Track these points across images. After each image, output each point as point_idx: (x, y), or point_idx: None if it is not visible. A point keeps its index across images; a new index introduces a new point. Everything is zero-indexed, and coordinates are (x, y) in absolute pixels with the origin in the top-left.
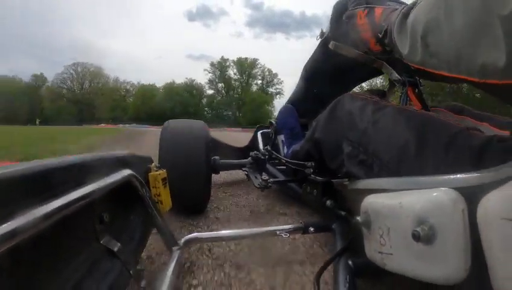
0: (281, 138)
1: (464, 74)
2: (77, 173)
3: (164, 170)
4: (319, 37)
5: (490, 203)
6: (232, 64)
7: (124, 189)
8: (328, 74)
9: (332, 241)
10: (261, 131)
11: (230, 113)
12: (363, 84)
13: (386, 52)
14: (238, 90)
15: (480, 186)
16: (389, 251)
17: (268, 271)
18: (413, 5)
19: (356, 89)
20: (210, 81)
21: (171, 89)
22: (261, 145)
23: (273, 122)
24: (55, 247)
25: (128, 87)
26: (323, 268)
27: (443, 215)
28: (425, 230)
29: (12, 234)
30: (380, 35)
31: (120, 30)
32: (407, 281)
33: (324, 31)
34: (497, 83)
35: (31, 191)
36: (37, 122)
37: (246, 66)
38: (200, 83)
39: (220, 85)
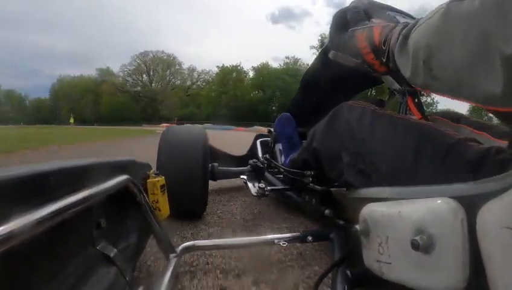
0: (279, 146)
1: (467, 98)
2: (75, 178)
3: (163, 177)
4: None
5: (490, 212)
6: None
7: (121, 195)
8: (327, 83)
9: (331, 251)
10: (260, 139)
11: None
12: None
13: (393, 71)
14: None
15: (479, 196)
16: (388, 259)
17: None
18: (413, 26)
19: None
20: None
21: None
22: (260, 154)
23: (272, 130)
24: (51, 251)
25: (207, 78)
26: (322, 278)
27: (442, 225)
28: (424, 239)
29: (8, 237)
30: (384, 59)
31: (205, 36)
32: None
33: (324, 41)
34: (499, 110)
35: (28, 195)
36: (71, 121)
37: None
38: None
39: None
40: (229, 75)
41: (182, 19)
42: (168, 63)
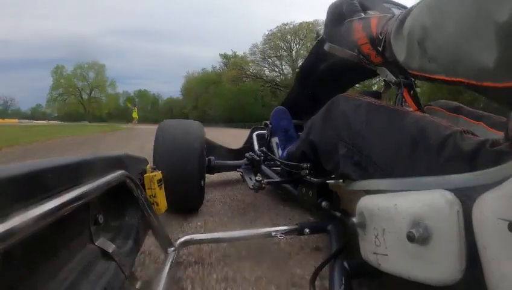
0: (275, 140)
1: (462, 77)
2: (71, 174)
3: (160, 172)
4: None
5: (486, 204)
6: None
7: (119, 190)
8: (323, 75)
9: (328, 242)
10: (256, 132)
11: None
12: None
13: (388, 62)
14: None
15: (475, 188)
16: (384, 251)
17: None
18: (409, 11)
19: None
20: None
21: None
22: (256, 147)
23: (268, 123)
24: (49, 248)
25: None
26: (319, 270)
27: (438, 217)
28: (420, 231)
29: (5, 235)
30: (380, 49)
31: None
32: (402, 283)
33: (320, 33)
34: (494, 85)
35: (23, 192)
36: (134, 116)
37: None
38: None
39: None
40: None
41: None
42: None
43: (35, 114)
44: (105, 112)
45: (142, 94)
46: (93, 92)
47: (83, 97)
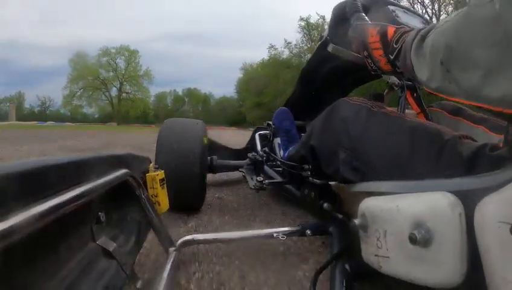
0: (278, 140)
1: (483, 102)
2: (73, 172)
3: (162, 171)
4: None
5: (488, 207)
6: None
7: (121, 189)
8: (326, 76)
9: (330, 244)
10: (259, 132)
11: None
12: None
13: (396, 72)
14: None
15: (477, 191)
16: (386, 254)
17: None
18: (431, 28)
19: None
20: None
21: None
22: (259, 147)
23: (271, 124)
24: (51, 246)
25: None
26: (320, 271)
27: (440, 219)
28: (422, 233)
29: (7, 232)
30: (392, 57)
31: None
32: (403, 285)
33: (323, 34)
34: None
35: (26, 190)
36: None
37: None
38: None
39: None
40: None
41: None
42: None
43: (76, 115)
44: (138, 111)
45: (191, 93)
46: (123, 85)
47: (110, 92)
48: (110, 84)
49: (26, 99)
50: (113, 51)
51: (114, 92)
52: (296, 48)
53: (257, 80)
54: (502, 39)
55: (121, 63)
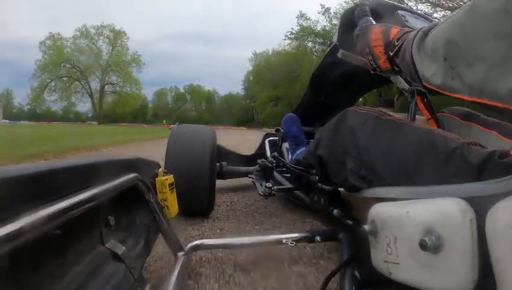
0: (286, 145)
1: (486, 98)
2: (83, 176)
3: (171, 175)
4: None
5: (499, 213)
6: None
7: (130, 193)
8: (335, 82)
9: (339, 250)
10: (268, 138)
11: None
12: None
13: (394, 71)
14: None
15: (488, 197)
16: (396, 260)
17: None
18: (434, 25)
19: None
20: None
21: None
22: (268, 153)
23: (280, 129)
24: (60, 249)
25: None
26: (329, 278)
27: (451, 225)
28: (433, 239)
29: (17, 234)
30: (391, 54)
31: None
32: None
33: (332, 40)
34: None
35: (37, 192)
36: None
37: None
38: None
39: None
40: None
41: None
42: None
43: (67, 114)
44: (129, 108)
45: (194, 90)
46: (106, 76)
47: (89, 84)
48: (90, 74)
49: (15, 98)
50: (93, 31)
51: (97, 83)
52: (336, 17)
53: (273, 70)
54: (509, 32)
55: (104, 47)
